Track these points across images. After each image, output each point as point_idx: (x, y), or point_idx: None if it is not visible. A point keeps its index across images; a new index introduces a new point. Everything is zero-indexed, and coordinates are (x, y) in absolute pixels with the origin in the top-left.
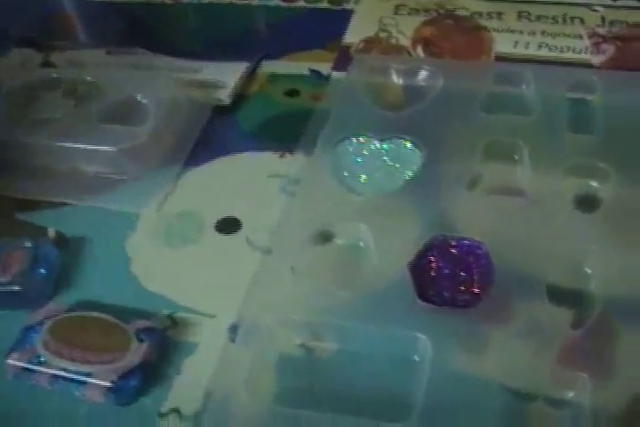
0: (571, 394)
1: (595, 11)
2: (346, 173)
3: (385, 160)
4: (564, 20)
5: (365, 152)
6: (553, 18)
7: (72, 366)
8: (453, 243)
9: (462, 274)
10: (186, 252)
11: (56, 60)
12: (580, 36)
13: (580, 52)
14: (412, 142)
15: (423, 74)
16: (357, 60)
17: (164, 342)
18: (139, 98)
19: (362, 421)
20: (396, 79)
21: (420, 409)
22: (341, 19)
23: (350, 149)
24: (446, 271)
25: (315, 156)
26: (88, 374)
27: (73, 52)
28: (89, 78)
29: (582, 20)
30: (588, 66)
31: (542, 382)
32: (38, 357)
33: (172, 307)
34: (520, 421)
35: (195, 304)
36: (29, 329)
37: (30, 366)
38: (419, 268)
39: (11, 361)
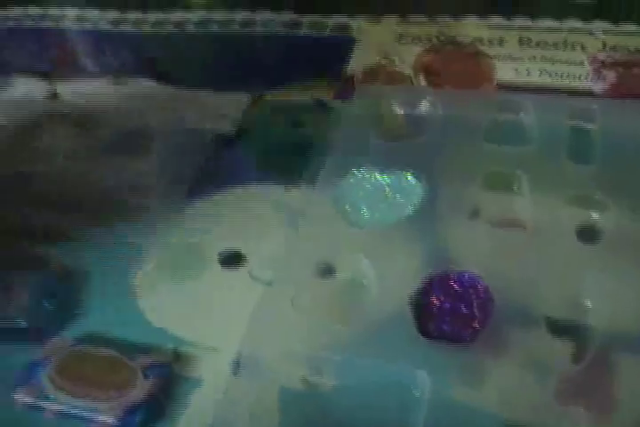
0: None
1: (595, 36)
2: (347, 206)
3: (386, 192)
4: (565, 46)
5: (367, 185)
6: (554, 44)
7: (78, 402)
8: (453, 277)
9: (462, 308)
10: (189, 285)
11: (61, 90)
12: (582, 63)
13: (580, 78)
14: (412, 174)
15: (425, 103)
16: (359, 89)
17: (168, 376)
18: (144, 129)
19: None
20: (398, 109)
21: None
22: (344, 46)
23: (352, 182)
24: (447, 306)
25: (317, 188)
26: (94, 410)
27: (78, 81)
28: (94, 109)
29: (583, 46)
30: (589, 93)
31: (542, 416)
32: (44, 393)
33: (175, 341)
34: None
35: (198, 338)
36: (34, 365)
37: (37, 403)
38: (420, 303)
39: (18, 398)
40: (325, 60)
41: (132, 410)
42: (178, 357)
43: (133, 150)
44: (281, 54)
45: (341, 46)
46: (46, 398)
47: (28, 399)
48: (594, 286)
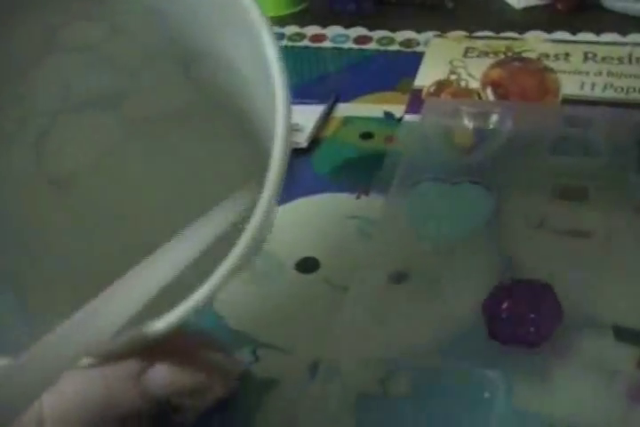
0: None
1: None
2: (419, 216)
3: (457, 203)
4: (630, 61)
5: (437, 195)
6: (618, 58)
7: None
8: (523, 285)
9: (531, 315)
10: (267, 290)
11: None
12: None
13: None
14: (483, 186)
15: (493, 117)
16: (429, 103)
17: (247, 377)
18: None
19: None
20: (467, 122)
21: None
22: (412, 61)
23: (423, 193)
24: (516, 312)
25: (389, 199)
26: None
27: None
28: None
29: None
30: None
31: (610, 420)
32: None
33: (255, 344)
34: None
35: (276, 341)
36: None
37: None
38: (490, 309)
39: None
40: (392, 73)
41: (210, 408)
42: (256, 358)
43: None
44: (350, 68)
45: (408, 60)
46: None
47: None
48: None
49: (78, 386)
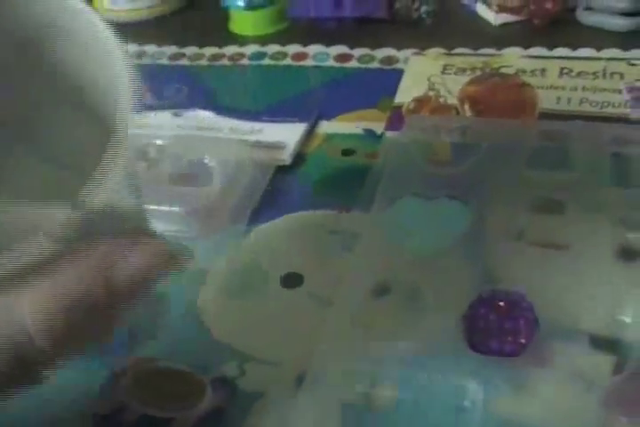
0: None
1: (633, 65)
2: (400, 231)
3: (436, 218)
4: (604, 75)
5: (417, 210)
6: (593, 73)
7: (153, 412)
8: (501, 296)
9: (509, 325)
10: (253, 305)
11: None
12: (620, 91)
13: (618, 107)
14: (460, 201)
15: (470, 132)
16: (410, 120)
17: (234, 390)
18: (205, 160)
19: None
20: (446, 138)
21: None
22: (392, 78)
23: (404, 208)
24: (495, 324)
25: (371, 213)
26: (168, 420)
27: (139, 114)
28: (159, 142)
29: (621, 75)
30: (627, 120)
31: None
32: (122, 404)
33: (241, 357)
34: None
35: (262, 354)
36: (112, 379)
37: (114, 414)
38: (470, 321)
39: (94, 409)
40: (372, 90)
41: (199, 422)
42: (242, 371)
43: (197, 180)
44: (331, 86)
45: (387, 77)
46: (123, 409)
47: (106, 411)
48: (632, 303)
49: (54, 278)
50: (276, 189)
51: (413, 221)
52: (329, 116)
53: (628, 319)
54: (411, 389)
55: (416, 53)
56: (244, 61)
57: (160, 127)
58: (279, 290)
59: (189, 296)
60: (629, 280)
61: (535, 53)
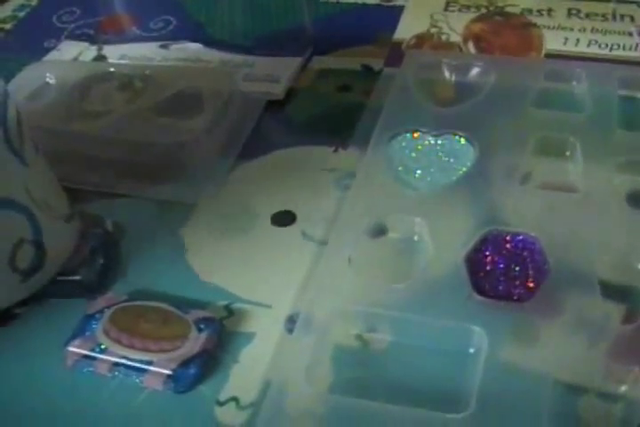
0: (623, 388)
1: None
2: (400, 168)
3: (439, 155)
4: (614, 18)
5: (419, 147)
6: (603, 15)
7: (133, 354)
8: (508, 238)
9: (517, 268)
10: (241, 244)
11: (109, 54)
12: (630, 34)
13: (629, 50)
14: (465, 138)
15: (474, 70)
16: (409, 56)
17: (221, 331)
18: (193, 92)
19: (417, 411)
20: (448, 75)
21: (473, 401)
22: (392, 15)
23: (404, 144)
24: (501, 266)
25: (369, 151)
26: (148, 363)
27: (126, 45)
28: (145, 72)
29: (632, 18)
30: (638, 63)
31: (594, 376)
32: (99, 345)
33: (228, 297)
34: (572, 414)
35: (251, 295)
36: (90, 318)
37: (91, 354)
38: (474, 262)
39: (72, 349)
40: (371, 26)
41: (185, 363)
42: (230, 312)
43: (185, 112)
44: (328, 20)
45: (389, 14)
46: (100, 350)
47: (82, 351)
48: None
49: None
50: (268, 123)
51: (414, 159)
52: (324, 51)
53: (639, 266)
54: (408, 333)
55: None
56: None
57: (146, 59)
58: (270, 228)
59: (175, 233)
60: None
61: None
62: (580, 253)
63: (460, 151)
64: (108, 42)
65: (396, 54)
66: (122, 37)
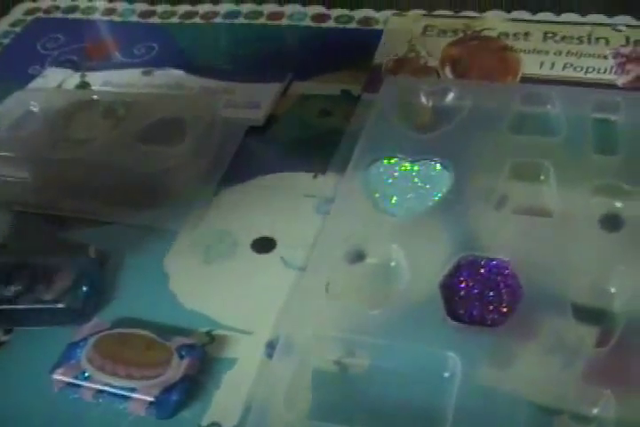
0: (595, 410)
1: (619, 31)
2: (377, 195)
3: (415, 181)
4: (589, 41)
5: (396, 173)
6: (578, 38)
7: (116, 381)
8: (482, 263)
9: (491, 293)
10: (222, 270)
11: (92, 81)
12: (605, 57)
13: (604, 72)
14: (441, 164)
15: (451, 95)
16: (387, 81)
17: (203, 358)
18: (175, 119)
19: None
20: (425, 100)
21: (449, 424)
22: (371, 39)
23: (381, 171)
24: (475, 291)
25: (347, 176)
26: (131, 389)
27: (109, 72)
28: (127, 99)
29: (607, 40)
30: (613, 86)
31: (568, 398)
32: (83, 372)
33: (209, 324)
34: None
35: (232, 321)
36: (74, 345)
37: (75, 382)
38: (449, 287)
39: (56, 376)
40: (349, 51)
41: (167, 389)
42: (212, 338)
43: (167, 139)
44: (307, 46)
45: (367, 38)
46: (85, 377)
47: (67, 378)
48: (617, 272)
49: None
50: (249, 149)
51: (391, 185)
52: (304, 76)
53: (612, 289)
54: (385, 358)
55: (395, 14)
56: (218, 20)
57: (129, 86)
58: (250, 255)
59: (156, 260)
60: (614, 250)
61: (518, 17)
62: (553, 277)
63: (435, 177)
64: (91, 68)
65: (374, 79)
66: (106, 64)
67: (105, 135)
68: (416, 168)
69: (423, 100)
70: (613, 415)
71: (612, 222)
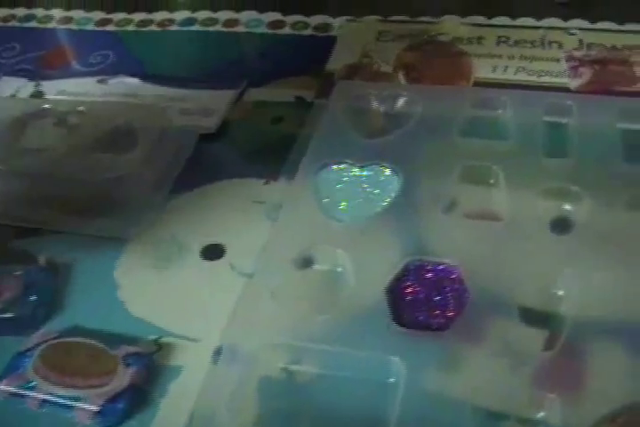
0: (542, 414)
1: (572, 34)
2: (326, 200)
3: (364, 187)
4: (542, 44)
5: (345, 179)
6: (531, 42)
7: (61, 390)
8: (428, 267)
9: (437, 298)
10: (171, 278)
11: (47, 90)
12: (558, 60)
13: (557, 76)
14: (390, 169)
15: (403, 100)
16: (339, 86)
17: (150, 366)
18: (128, 127)
19: None
20: (377, 106)
21: None
22: (326, 45)
23: (331, 176)
24: (421, 296)
25: (296, 182)
26: (76, 399)
27: (64, 81)
28: (80, 108)
29: (560, 44)
30: (566, 89)
31: (515, 403)
32: (29, 382)
33: (157, 332)
34: None
35: (180, 329)
36: (21, 355)
37: (20, 391)
38: (395, 292)
39: (1, 387)
40: (305, 58)
41: (114, 398)
42: (159, 346)
43: (118, 148)
44: (263, 52)
45: (323, 45)
46: (31, 387)
47: (12, 388)
48: (565, 275)
49: None
50: (201, 157)
51: (340, 190)
52: (259, 83)
53: (560, 292)
54: (332, 365)
55: (350, 20)
56: (174, 27)
57: (83, 94)
58: (199, 262)
59: (105, 268)
60: (563, 253)
61: (473, 22)
62: (502, 281)
63: (384, 182)
64: (46, 77)
65: (328, 85)
66: (62, 72)
67: (57, 145)
68: (365, 173)
69: (374, 105)
70: (559, 420)
71: (562, 225)
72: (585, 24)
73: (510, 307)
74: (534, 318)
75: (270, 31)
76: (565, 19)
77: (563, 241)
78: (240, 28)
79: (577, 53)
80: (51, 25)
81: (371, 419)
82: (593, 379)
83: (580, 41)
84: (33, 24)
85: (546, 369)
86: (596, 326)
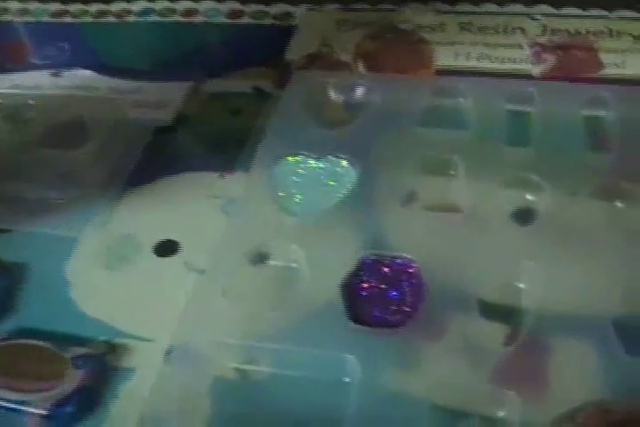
0: (502, 412)
1: (536, 20)
2: (281, 193)
3: (321, 179)
4: (506, 31)
5: (301, 171)
6: (494, 29)
7: (8, 394)
8: (385, 261)
9: (394, 293)
10: (123, 276)
11: None
12: (521, 46)
13: (520, 63)
14: (347, 160)
15: (361, 89)
16: (296, 76)
17: (101, 368)
18: (78, 121)
19: None
20: (335, 95)
21: None
22: (285, 35)
23: (286, 169)
24: (377, 291)
25: (250, 175)
26: (24, 403)
27: (18, 74)
28: (30, 102)
29: (523, 30)
30: (529, 76)
31: (474, 400)
32: None
33: (110, 332)
34: None
35: (133, 329)
36: None
37: None
38: (350, 288)
39: None
40: (265, 48)
41: (62, 401)
42: (111, 347)
43: (69, 142)
44: (221, 43)
45: (281, 34)
46: None
47: None
48: (527, 268)
49: None
50: (156, 150)
51: (295, 183)
52: (217, 74)
53: (522, 285)
54: (286, 364)
55: (310, 9)
56: (132, 18)
57: (37, 87)
58: (152, 259)
59: (56, 266)
60: (525, 244)
61: (435, 8)
62: (462, 275)
63: (341, 174)
64: (1, 72)
65: (287, 75)
66: (15, 66)
67: (6, 140)
68: (321, 165)
69: (332, 95)
70: (518, 417)
71: (524, 216)
72: (549, 10)
73: (470, 301)
74: (495, 312)
75: (230, 21)
76: (529, 4)
77: (525, 232)
78: (199, 18)
79: (540, 39)
80: (6, 18)
81: (326, 419)
82: (555, 375)
83: (544, 27)
84: None
85: (506, 365)
86: (559, 321)
